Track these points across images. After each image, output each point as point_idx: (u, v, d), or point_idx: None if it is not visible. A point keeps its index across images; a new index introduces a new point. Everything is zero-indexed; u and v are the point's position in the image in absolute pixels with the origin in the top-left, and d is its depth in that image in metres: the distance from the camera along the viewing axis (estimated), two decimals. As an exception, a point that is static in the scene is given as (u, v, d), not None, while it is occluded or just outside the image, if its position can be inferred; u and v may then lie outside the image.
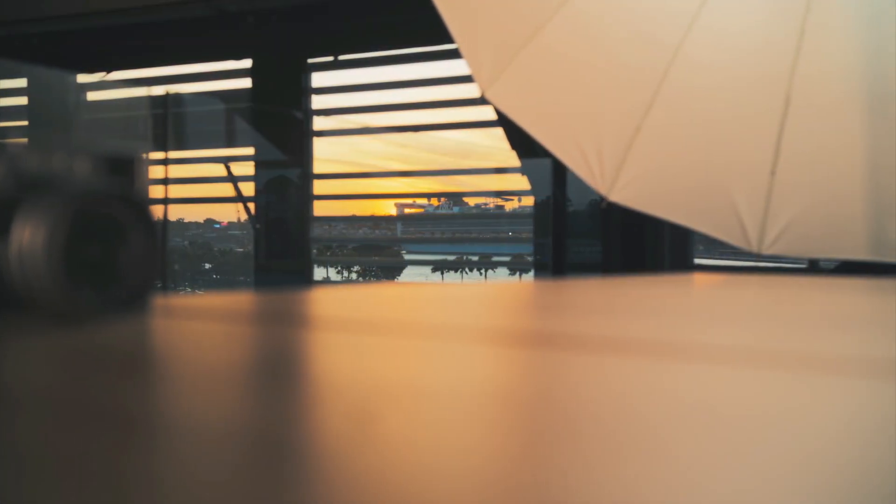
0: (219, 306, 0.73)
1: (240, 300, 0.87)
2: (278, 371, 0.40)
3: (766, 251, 2.28)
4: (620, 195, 2.24)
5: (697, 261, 4.06)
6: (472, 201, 5.76)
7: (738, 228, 2.28)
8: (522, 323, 0.69)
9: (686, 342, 0.50)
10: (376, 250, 5.79)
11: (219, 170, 5.26)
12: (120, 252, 0.52)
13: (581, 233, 4.11)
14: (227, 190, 5.19)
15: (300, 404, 0.31)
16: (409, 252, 5.79)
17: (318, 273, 5.39)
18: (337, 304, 0.85)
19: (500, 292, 1.13)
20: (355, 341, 0.50)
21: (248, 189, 5.01)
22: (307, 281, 4.89)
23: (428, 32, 2.32)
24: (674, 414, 0.29)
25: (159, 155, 4.69)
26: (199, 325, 0.58)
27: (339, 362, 0.43)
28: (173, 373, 0.39)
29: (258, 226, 4.96)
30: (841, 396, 0.33)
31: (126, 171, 0.54)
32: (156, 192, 4.61)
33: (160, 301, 0.62)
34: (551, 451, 0.23)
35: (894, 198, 2.23)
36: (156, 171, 4.66)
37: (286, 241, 4.92)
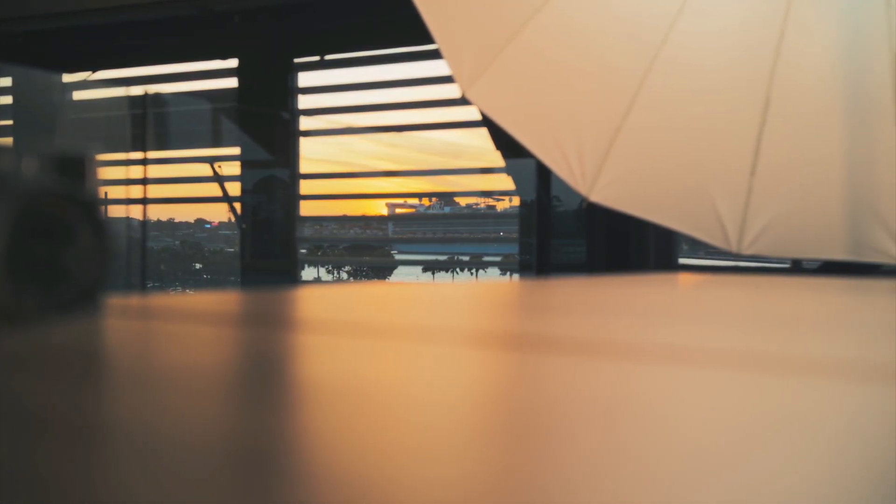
0: (177, 306, 0.73)
1: (204, 300, 0.87)
2: (222, 373, 0.40)
3: (746, 251, 2.29)
4: (601, 195, 2.24)
5: (682, 261, 4.07)
6: (463, 201, 5.77)
7: (718, 228, 2.29)
8: (496, 324, 0.69)
9: (654, 343, 0.50)
10: (367, 250, 5.80)
11: (205, 169, 5.25)
12: (67, 252, 0.52)
13: (566, 232, 4.11)
14: (213, 190, 5.18)
15: (236, 407, 0.31)
16: (400, 252, 5.80)
17: (309, 273, 5.39)
18: (305, 303, 0.85)
19: (476, 292, 1.13)
20: (315, 341, 0.50)
21: (234, 189, 5.01)
22: (294, 281, 4.89)
23: (415, 32, 2.32)
24: (644, 417, 0.29)
25: (139, 155, 4.68)
26: (150, 326, 0.58)
27: (288, 362, 0.43)
28: (114, 375, 0.40)
29: (244, 226, 4.95)
30: (796, 397, 0.34)
31: (75, 170, 0.54)
32: (132, 192, 4.61)
33: (113, 301, 0.62)
34: (521, 456, 0.23)
35: (872, 198, 2.25)
36: (135, 172, 4.66)
37: (273, 241, 4.91)
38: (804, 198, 2.30)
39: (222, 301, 0.87)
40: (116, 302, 0.67)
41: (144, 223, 4.74)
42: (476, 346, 0.48)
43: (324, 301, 0.87)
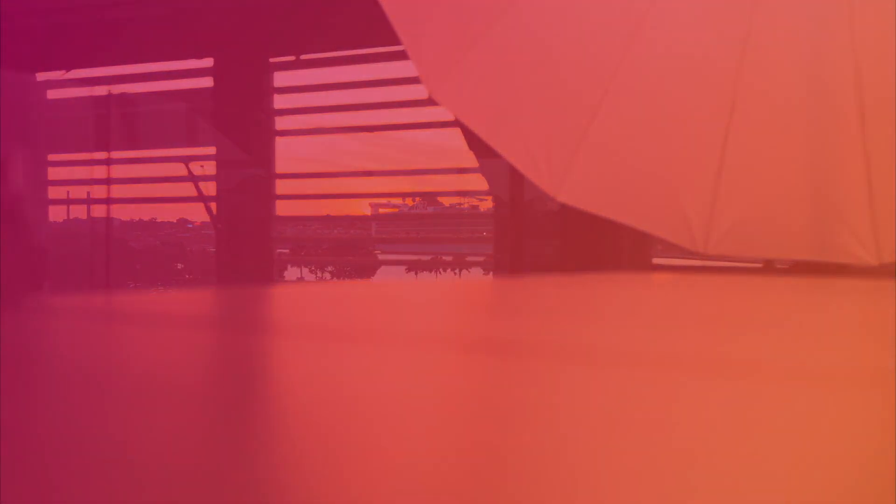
0: (98, 306, 0.73)
1: (136, 300, 0.87)
2: (124, 372, 0.40)
3: (712, 251, 2.30)
4: (568, 195, 2.25)
5: (657, 260, 4.08)
6: (446, 202, 5.77)
7: (685, 228, 2.30)
8: (459, 326, 0.69)
9: (610, 346, 0.51)
10: (348, 250, 5.79)
11: (181, 169, 5.22)
12: (-16, 252, 0.52)
13: (541, 232, 4.12)
14: (190, 190, 5.16)
15: (109, 407, 0.31)
16: (383, 252, 5.80)
17: (293, 272, 5.40)
18: (259, 304, 0.85)
19: (447, 292, 1.14)
20: (260, 343, 0.51)
21: (210, 189, 4.98)
22: (271, 280, 4.88)
23: (390, 32, 2.32)
24: (605, 422, 0.29)
25: (103, 154, 4.67)
26: (64, 325, 0.58)
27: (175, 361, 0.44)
28: (17, 374, 0.40)
29: (219, 225, 4.93)
30: (754, 399, 0.34)
31: (-6, 171, 0.54)
32: (107, 192, 4.59)
33: (36, 300, 0.62)
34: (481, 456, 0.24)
35: (836, 200, 2.27)
36: (108, 172, 4.64)
37: (249, 241, 4.90)
38: (769, 199, 2.32)
39: (147, 301, 0.87)
40: (38, 301, 0.66)
41: (108, 221, 4.72)
42: (444, 350, 0.48)
43: (282, 301, 0.87)
